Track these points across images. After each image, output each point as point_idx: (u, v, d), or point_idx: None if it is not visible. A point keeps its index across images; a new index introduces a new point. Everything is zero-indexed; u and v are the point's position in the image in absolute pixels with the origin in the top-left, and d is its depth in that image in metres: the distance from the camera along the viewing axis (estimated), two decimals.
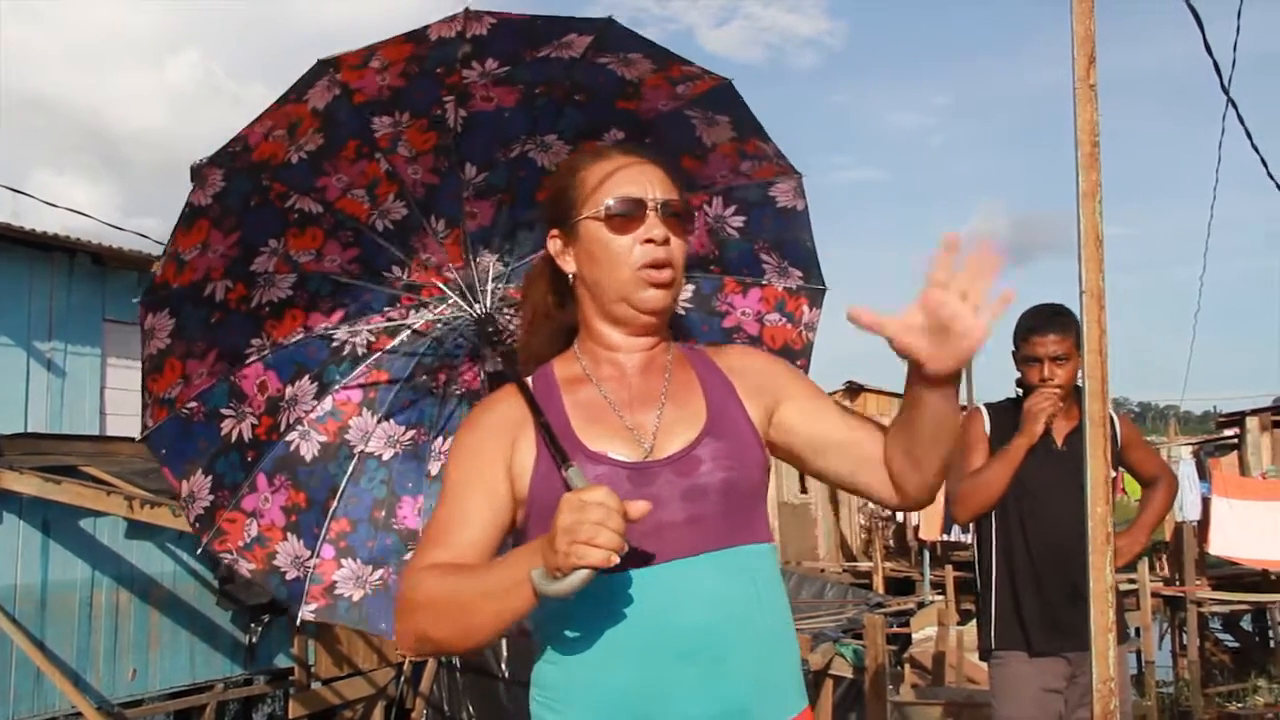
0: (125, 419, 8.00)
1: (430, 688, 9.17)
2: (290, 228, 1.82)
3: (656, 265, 1.50)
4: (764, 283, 1.95)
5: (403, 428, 2.07)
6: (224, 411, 1.91)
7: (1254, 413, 18.25)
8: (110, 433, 7.89)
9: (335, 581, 2.00)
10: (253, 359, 1.92)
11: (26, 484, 6.45)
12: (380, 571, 2.04)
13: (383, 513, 2.05)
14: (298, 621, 2.03)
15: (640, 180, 1.53)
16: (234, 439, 1.92)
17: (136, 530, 7.55)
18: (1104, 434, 1.35)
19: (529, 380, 1.60)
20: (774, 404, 1.58)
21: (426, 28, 1.50)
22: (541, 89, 1.70)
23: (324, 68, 1.53)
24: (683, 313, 1.97)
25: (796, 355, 1.98)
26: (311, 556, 1.99)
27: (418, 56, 1.56)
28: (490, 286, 1.94)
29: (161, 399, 1.82)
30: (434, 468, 2.08)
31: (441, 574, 1.40)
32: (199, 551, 1.93)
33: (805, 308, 1.96)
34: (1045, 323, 3.27)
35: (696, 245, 1.88)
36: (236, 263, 1.81)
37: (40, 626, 7.04)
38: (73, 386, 7.72)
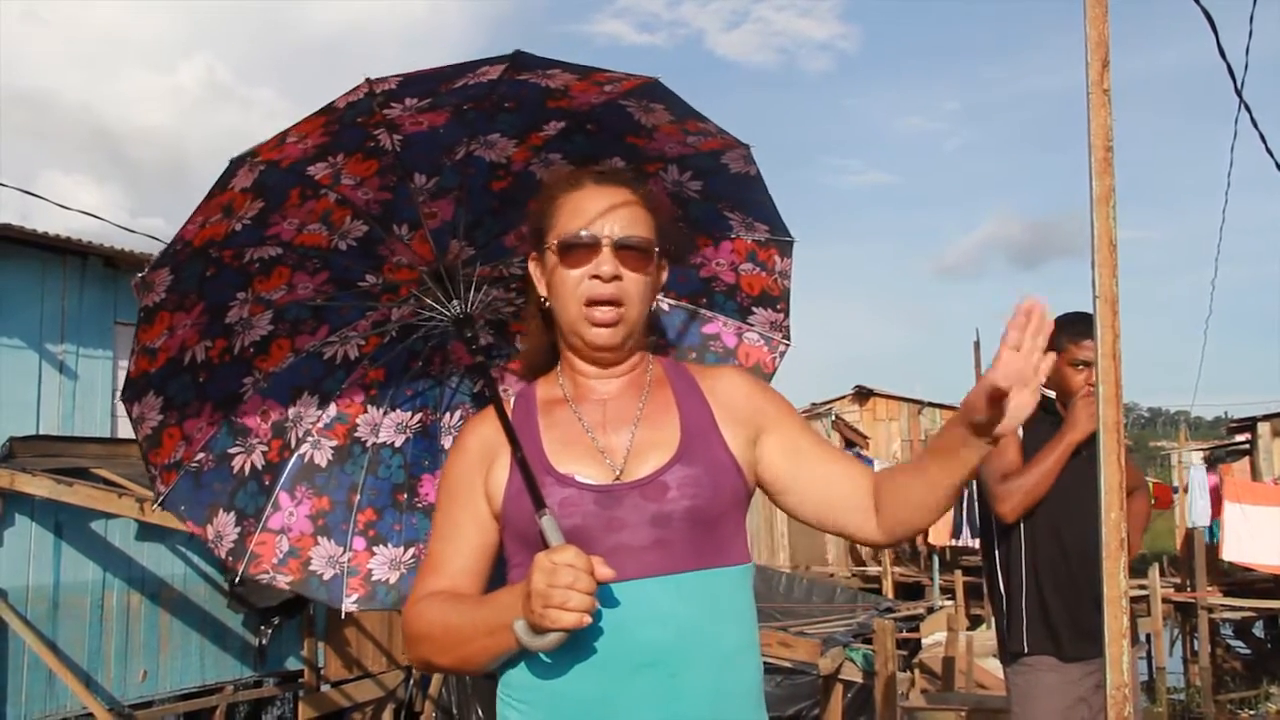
0: None
1: (439, 691, 9.18)
2: (255, 276, 1.85)
3: (598, 302, 1.53)
4: (733, 236, 1.97)
5: (409, 413, 2.12)
6: (232, 451, 1.94)
7: (1266, 418, 18.18)
8: (121, 435, 7.91)
9: (371, 570, 2.06)
10: (249, 394, 1.95)
11: (38, 486, 6.48)
12: (412, 550, 2.09)
13: (405, 495, 2.10)
14: (342, 614, 2.09)
15: (597, 212, 1.55)
16: (248, 471, 1.96)
17: (147, 532, 7.58)
18: (1118, 439, 1.34)
19: (511, 399, 1.65)
20: (756, 435, 1.60)
21: (332, 102, 1.52)
22: (470, 105, 1.71)
23: (240, 161, 1.55)
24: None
25: (776, 301, 2.01)
26: (345, 552, 2.04)
27: (334, 120, 1.57)
28: (463, 271, 1.96)
29: (167, 465, 1.86)
30: (446, 442, 2.12)
31: (439, 605, 1.49)
32: (237, 581, 1.96)
33: (777, 258, 1.99)
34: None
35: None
36: (209, 325, 1.84)
37: (52, 628, 7.07)
38: (84, 389, 7.74)
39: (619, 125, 1.78)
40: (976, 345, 15.77)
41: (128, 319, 8.09)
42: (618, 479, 1.49)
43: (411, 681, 9.40)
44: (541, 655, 1.41)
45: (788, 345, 2.02)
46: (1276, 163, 4.50)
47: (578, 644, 1.38)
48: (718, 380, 1.64)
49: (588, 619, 1.30)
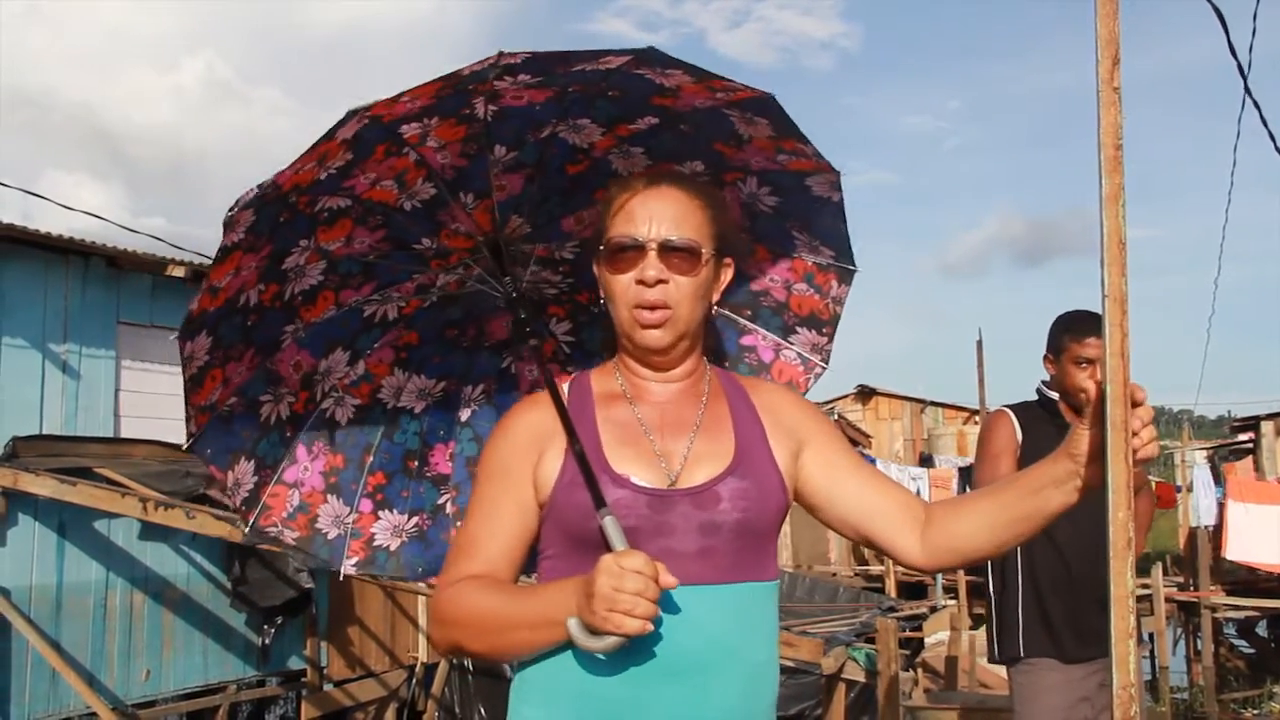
0: (139, 421, 8.03)
1: (442, 690, 9.19)
2: (319, 226, 1.84)
3: (645, 306, 1.53)
4: (794, 255, 1.97)
5: (434, 381, 2.11)
6: (262, 399, 1.94)
7: (1269, 417, 18.18)
8: (124, 435, 7.92)
9: (374, 534, 2.05)
10: (287, 343, 1.94)
11: (42, 486, 6.49)
12: (415, 519, 2.09)
13: (416, 462, 2.10)
14: (340, 575, 2.08)
15: (645, 216, 1.54)
16: (273, 421, 1.96)
17: (150, 532, 7.59)
18: (1125, 439, 1.34)
19: (565, 387, 1.63)
20: (799, 449, 1.61)
21: (458, 70, 1.52)
22: (575, 88, 1.71)
23: (354, 113, 1.54)
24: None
25: (823, 325, 2.00)
26: (351, 513, 2.03)
27: (448, 86, 1.58)
28: (522, 248, 1.97)
29: (203, 406, 1.85)
30: (464, 414, 2.12)
31: (478, 590, 1.47)
32: (246, 530, 1.96)
33: (834, 283, 1.99)
34: (1101, 326, 3.19)
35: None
36: (269, 270, 1.83)
37: (55, 627, 7.08)
38: (87, 389, 7.75)
39: (712, 130, 1.78)
40: (979, 344, 15.75)
41: (130, 319, 8.10)
42: (672, 485, 1.49)
43: (414, 681, 9.41)
44: (570, 655, 1.42)
45: (824, 369, 2.02)
46: None
47: None
48: (767, 394, 1.66)
49: (650, 627, 1.30)
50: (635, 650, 1.39)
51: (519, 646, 1.45)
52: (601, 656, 1.39)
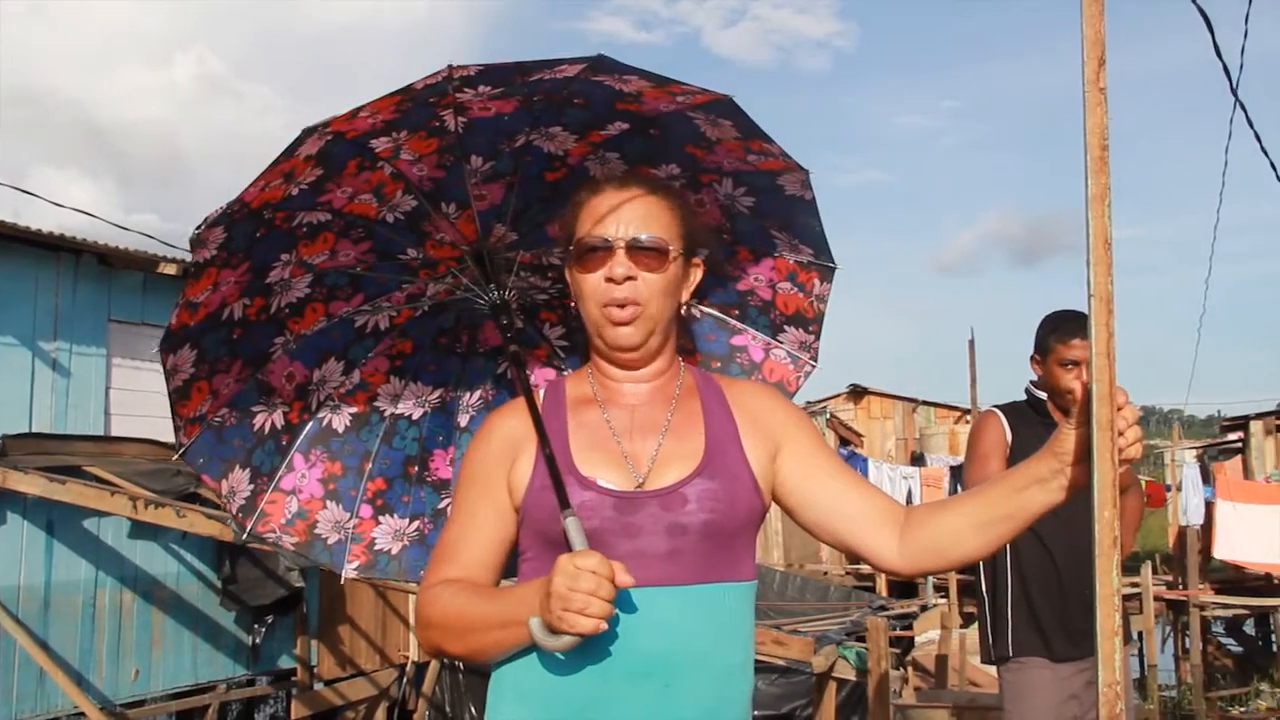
0: (130, 419, 8.01)
1: (433, 689, 9.18)
2: (300, 240, 1.86)
3: (615, 304, 1.55)
4: (776, 254, 1.99)
5: (430, 387, 2.14)
6: (255, 409, 1.96)
7: (1258, 416, 18.22)
8: (115, 433, 7.90)
9: (374, 538, 2.08)
10: (277, 354, 1.96)
11: (31, 484, 6.47)
12: (416, 523, 2.11)
13: (416, 468, 2.12)
14: (342, 579, 2.12)
15: (614, 217, 1.57)
16: (267, 430, 1.98)
17: (140, 531, 7.57)
18: (1111, 438, 1.35)
19: (540, 391, 1.65)
20: (775, 450, 1.62)
21: (411, 84, 1.53)
22: (539, 97, 1.72)
23: (310, 130, 1.56)
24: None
25: (809, 323, 2.02)
26: (351, 518, 2.06)
27: (407, 99, 1.59)
28: (504, 255, 1.99)
29: (192, 418, 1.87)
30: (463, 420, 2.15)
31: (454, 594, 1.50)
32: (244, 537, 2.00)
33: (816, 281, 2.00)
34: (1086, 327, 3.20)
35: (709, 218, 1.93)
36: (251, 284, 1.85)
37: (44, 626, 7.05)
38: (77, 387, 7.72)
39: (682, 134, 1.80)
40: (971, 344, 15.78)
41: (121, 317, 8.07)
42: (639, 486, 1.51)
43: (405, 679, 9.40)
44: (538, 655, 1.44)
45: (814, 366, 2.03)
46: (1272, 162, 4.51)
47: (581, 646, 1.39)
48: (745, 394, 1.67)
49: (604, 625, 1.32)
50: (606, 650, 1.41)
51: (492, 647, 1.47)
52: (560, 655, 1.41)
